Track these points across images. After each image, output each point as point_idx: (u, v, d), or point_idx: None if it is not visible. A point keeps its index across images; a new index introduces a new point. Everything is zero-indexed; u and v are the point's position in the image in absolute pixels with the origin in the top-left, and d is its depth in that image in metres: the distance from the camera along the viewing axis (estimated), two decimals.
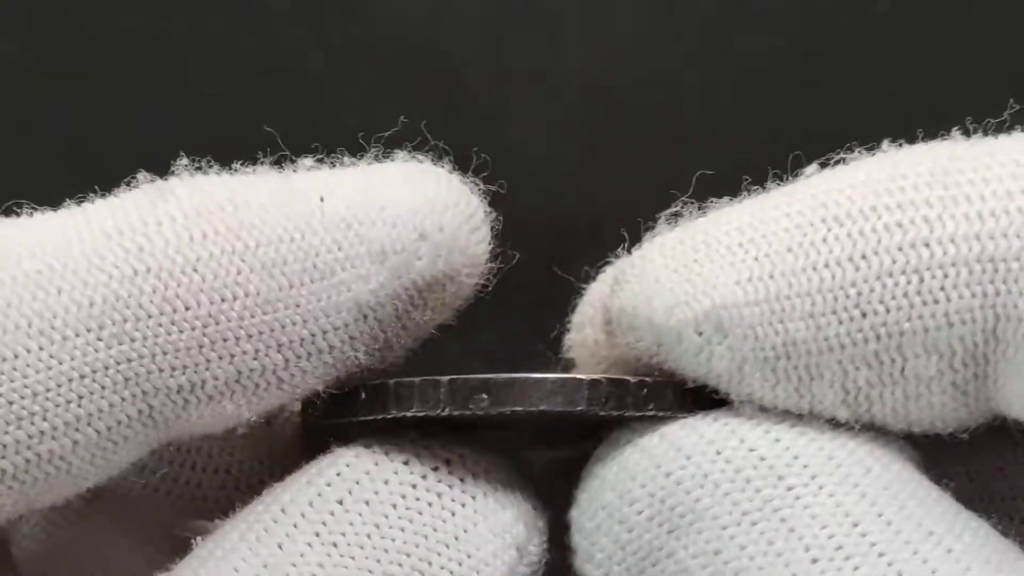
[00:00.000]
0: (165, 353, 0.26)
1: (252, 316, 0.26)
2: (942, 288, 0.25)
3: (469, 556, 0.27)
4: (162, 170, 0.30)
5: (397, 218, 0.28)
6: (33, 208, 0.28)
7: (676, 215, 0.30)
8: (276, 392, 0.28)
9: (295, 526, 0.27)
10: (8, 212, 0.28)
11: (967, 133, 0.29)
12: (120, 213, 0.27)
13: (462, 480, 0.28)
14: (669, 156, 0.64)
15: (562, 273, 0.32)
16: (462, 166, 0.33)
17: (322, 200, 0.28)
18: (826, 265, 0.26)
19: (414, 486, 0.27)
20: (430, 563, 0.27)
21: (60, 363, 0.25)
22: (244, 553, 0.26)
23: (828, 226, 0.26)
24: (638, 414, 0.28)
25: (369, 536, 0.26)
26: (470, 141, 0.66)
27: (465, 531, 0.27)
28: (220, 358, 0.27)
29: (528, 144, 0.64)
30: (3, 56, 0.65)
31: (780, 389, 0.27)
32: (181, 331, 0.26)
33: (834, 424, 0.27)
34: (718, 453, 0.26)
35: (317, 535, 0.26)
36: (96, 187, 0.29)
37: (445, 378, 0.28)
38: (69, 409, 0.25)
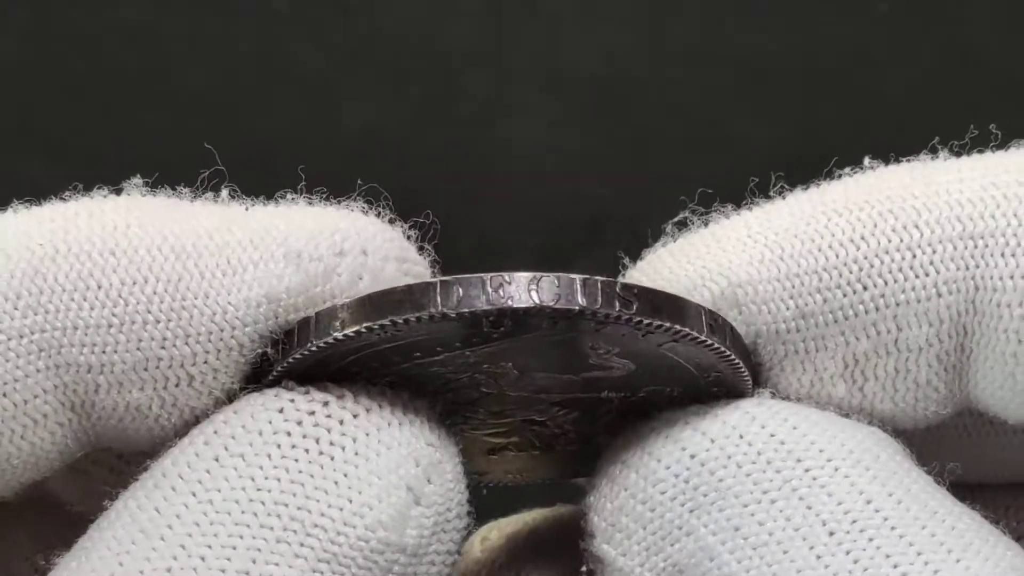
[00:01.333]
0: (75, 328, 0.27)
1: (161, 301, 0.27)
2: (931, 262, 0.28)
3: (350, 500, 0.26)
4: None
5: (318, 231, 0.28)
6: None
7: (681, 223, 0.31)
8: (188, 390, 0.28)
9: (173, 488, 0.27)
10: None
11: (962, 133, 0.31)
12: (60, 208, 0.28)
13: (341, 422, 0.27)
14: (669, 156, 0.65)
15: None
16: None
17: (247, 209, 0.29)
18: (830, 246, 0.29)
19: (289, 433, 0.27)
20: (309, 511, 0.26)
21: None
22: (124, 520, 0.27)
23: (828, 216, 0.29)
24: (492, 308, 0.26)
25: (244, 490, 0.26)
26: (470, 141, 0.66)
27: (345, 475, 0.27)
28: (128, 340, 0.27)
29: (527, 143, 0.64)
30: (1, 53, 0.65)
31: (787, 363, 0.29)
32: (92, 307, 0.27)
33: (842, 415, 0.29)
34: (741, 437, 0.28)
35: (194, 495, 0.26)
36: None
37: (312, 315, 0.28)
38: None
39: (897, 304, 0.28)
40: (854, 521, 0.27)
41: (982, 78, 0.63)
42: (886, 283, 0.28)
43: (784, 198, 0.30)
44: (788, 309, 0.29)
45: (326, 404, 0.27)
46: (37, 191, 0.29)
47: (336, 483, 0.27)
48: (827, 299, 0.28)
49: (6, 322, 0.27)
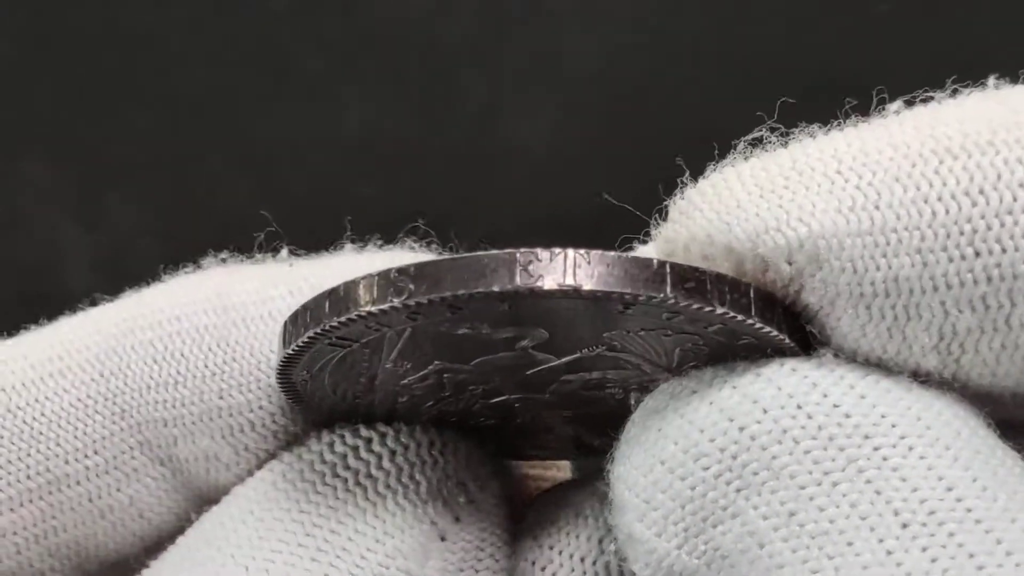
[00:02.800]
0: (148, 388, 0.30)
1: (214, 355, 0.30)
2: None
3: (374, 527, 0.29)
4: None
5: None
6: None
7: (757, 141, 0.26)
8: (252, 435, 0.30)
9: (239, 507, 0.29)
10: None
11: None
12: (151, 290, 0.31)
13: (380, 457, 0.29)
14: (669, 154, 0.64)
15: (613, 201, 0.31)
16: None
17: (291, 265, 0.31)
18: (939, 199, 0.24)
19: (334, 464, 0.29)
20: (339, 534, 0.28)
21: (67, 392, 0.30)
22: (199, 532, 0.29)
23: (940, 158, 0.24)
24: (424, 301, 0.25)
25: (290, 511, 0.29)
26: (470, 140, 0.66)
27: (374, 504, 0.29)
28: (192, 394, 0.30)
29: (528, 142, 0.64)
30: (0, 53, 0.65)
31: (871, 328, 0.24)
32: (160, 367, 0.30)
33: (916, 381, 0.25)
34: (799, 408, 0.24)
35: (251, 512, 0.29)
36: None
37: (298, 308, 0.29)
38: (76, 435, 0.30)
39: (1015, 276, 0.23)
40: (931, 512, 0.23)
41: (982, 78, 0.63)
42: (1004, 251, 0.23)
43: (883, 119, 0.25)
44: (879, 270, 0.24)
45: (369, 441, 0.30)
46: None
47: (364, 511, 0.29)
48: (927, 263, 0.23)
49: (93, 387, 0.30)
